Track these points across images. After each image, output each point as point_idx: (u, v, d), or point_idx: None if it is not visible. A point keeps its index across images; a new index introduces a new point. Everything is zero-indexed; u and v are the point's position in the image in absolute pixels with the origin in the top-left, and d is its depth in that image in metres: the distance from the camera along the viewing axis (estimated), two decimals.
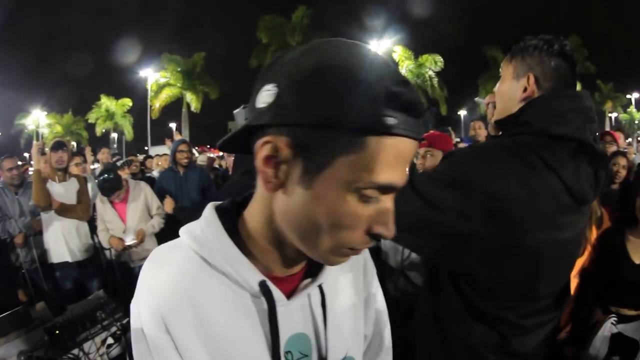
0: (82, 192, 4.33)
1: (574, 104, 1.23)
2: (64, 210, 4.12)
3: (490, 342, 1.27)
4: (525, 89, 1.29)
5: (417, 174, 1.29)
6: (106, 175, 3.98)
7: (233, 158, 3.85)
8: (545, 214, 1.16)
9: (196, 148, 20.06)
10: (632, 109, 47.47)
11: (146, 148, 29.06)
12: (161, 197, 5.13)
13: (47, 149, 4.20)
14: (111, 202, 4.14)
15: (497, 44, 29.55)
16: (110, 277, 4.50)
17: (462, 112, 50.31)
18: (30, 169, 5.19)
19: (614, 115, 45.63)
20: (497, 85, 1.42)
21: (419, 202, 1.16)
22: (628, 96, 47.23)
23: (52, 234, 4.14)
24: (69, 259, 4.16)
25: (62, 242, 4.13)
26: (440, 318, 1.36)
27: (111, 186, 3.97)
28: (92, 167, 6.25)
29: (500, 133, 1.44)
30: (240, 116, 4.46)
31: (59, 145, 4.27)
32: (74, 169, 5.31)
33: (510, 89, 1.34)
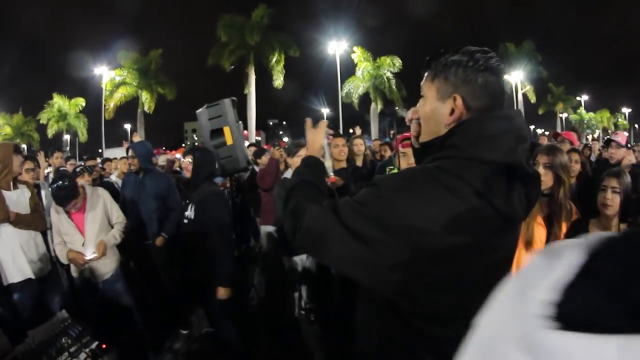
0: (34, 200, 3.93)
1: (505, 125, 1.19)
2: (20, 221, 3.71)
3: None
4: (452, 112, 1.23)
5: (342, 203, 1.22)
6: (60, 182, 3.60)
7: (189, 160, 3.81)
8: (477, 241, 1.13)
9: (153, 151, 19.69)
10: (582, 110, 51.11)
11: (100, 150, 28.34)
12: (120, 202, 4.97)
13: None
14: (67, 212, 3.79)
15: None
16: (71, 294, 4.20)
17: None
18: None
19: (564, 115, 48.85)
20: (419, 104, 1.36)
21: (345, 235, 1.14)
22: (578, 98, 50.69)
23: (9, 249, 3.68)
24: (32, 275, 3.74)
25: (22, 256, 3.70)
26: (383, 344, 1.34)
27: (67, 194, 3.59)
28: (46, 172, 5.95)
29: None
30: (203, 115, 4.46)
31: (17, 149, 3.89)
32: (25, 176, 4.88)
33: (435, 112, 1.28)
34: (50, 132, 34.81)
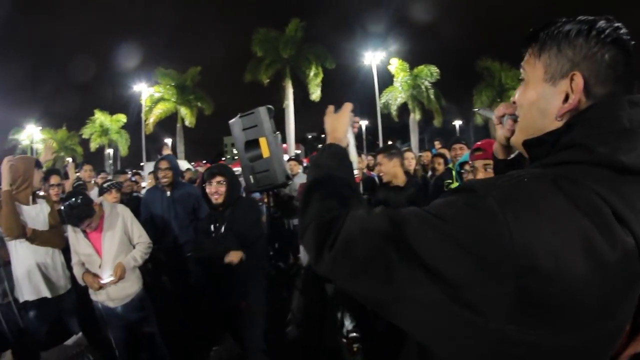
0: (53, 216, 3.78)
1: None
2: (37, 238, 3.57)
3: None
4: (566, 97, 0.87)
5: (410, 214, 0.83)
6: (73, 200, 3.30)
7: (218, 181, 3.51)
8: (612, 299, 0.74)
9: (192, 164, 19.90)
10: None
11: (142, 164, 28.95)
12: (147, 220, 4.80)
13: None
14: (84, 231, 3.49)
15: (491, 54, 29.63)
16: (89, 316, 3.92)
17: (457, 122, 50.86)
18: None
19: None
20: (518, 92, 0.99)
21: (414, 267, 0.75)
22: None
23: (25, 267, 3.56)
24: (48, 295, 3.58)
25: (37, 274, 3.56)
26: None
27: (79, 214, 3.29)
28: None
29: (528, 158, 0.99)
30: (237, 125, 4.09)
31: (39, 164, 3.82)
32: (51, 190, 4.84)
33: (542, 97, 0.91)
34: (93, 146, 36.26)
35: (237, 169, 4.66)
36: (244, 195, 6.16)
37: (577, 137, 0.83)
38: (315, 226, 0.93)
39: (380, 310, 0.84)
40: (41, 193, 4.10)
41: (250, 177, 3.68)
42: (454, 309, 0.73)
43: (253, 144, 3.76)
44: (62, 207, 3.40)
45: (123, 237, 3.58)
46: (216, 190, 3.48)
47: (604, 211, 0.73)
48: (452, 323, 0.75)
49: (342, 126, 1.31)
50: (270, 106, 3.84)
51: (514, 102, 1.02)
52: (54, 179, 4.48)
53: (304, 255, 4.96)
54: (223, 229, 3.50)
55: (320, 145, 1.14)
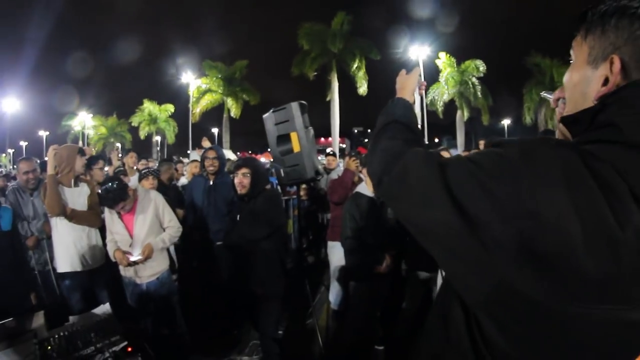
0: (93, 198, 4.16)
1: None
2: (75, 217, 3.95)
3: None
4: (606, 81, 0.87)
5: (455, 160, 0.90)
6: (109, 184, 3.62)
7: (244, 173, 3.58)
8: (617, 279, 0.73)
9: (237, 154, 20.21)
10: None
11: (188, 152, 29.70)
12: (189, 205, 5.09)
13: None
14: (119, 214, 3.78)
15: (540, 49, 28.36)
16: (119, 289, 4.24)
17: (506, 122, 48.94)
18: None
19: None
20: (567, 74, 1.00)
21: (446, 200, 0.83)
22: None
23: (62, 242, 3.96)
24: (79, 268, 3.97)
25: (73, 250, 3.95)
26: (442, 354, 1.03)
27: (114, 197, 3.60)
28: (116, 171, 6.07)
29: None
30: (269, 120, 4.17)
31: (82, 152, 4.21)
32: (97, 173, 5.42)
33: (584, 80, 0.92)
34: (142, 134, 37.54)
35: None
36: (277, 187, 6.27)
37: (611, 116, 0.83)
38: (382, 157, 1.08)
39: (417, 233, 0.94)
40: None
41: (281, 170, 3.76)
42: (470, 243, 0.80)
43: (284, 138, 3.84)
44: (100, 191, 3.73)
45: (154, 220, 3.86)
46: (240, 181, 3.59)
47: (620, 188, 0.73)
48: (467, 256, 0.82)
49: (411, 85, 1.45)
50: (303, 102, 3.89)
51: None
52: (100, 164, 4.98)
53: (331, 255, 4.99)
54: (239, 218, 3.66)
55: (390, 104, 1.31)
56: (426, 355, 1.13)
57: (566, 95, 1.00)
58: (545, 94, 1.30)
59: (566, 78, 1.00)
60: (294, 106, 3.78)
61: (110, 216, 3.83)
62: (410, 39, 29.46)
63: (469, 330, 0.93)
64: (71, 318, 2.79)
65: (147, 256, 3.69)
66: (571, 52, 0.98)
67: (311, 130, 3.96)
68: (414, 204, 0.92)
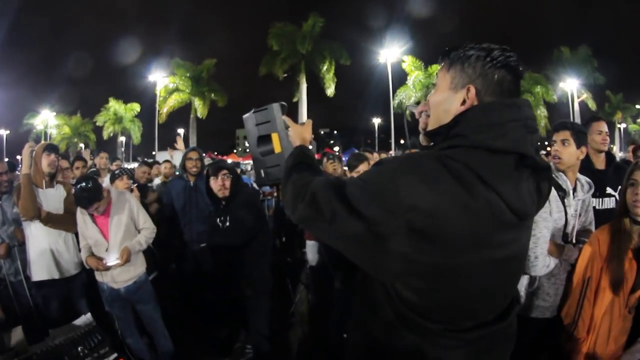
0: (69, 201, 3.90)
1: (513, 114, 1.16)
2: (50, 220, 3.73)
3: (425, 354, 1.22)
4: (463, 102, 1.21)
5: (349, 180, 1.24)
6: (84, 184, 3.39)
7: (222, 177, 3.60)
8: (480, 234, 1.10)
9: (204, 155, 20.03)
10: None
11: (153, 152, 29.13)
12: (167, 207, 4.99)
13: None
14: (92, 217, 3.58)
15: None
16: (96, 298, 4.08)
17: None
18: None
19: (623, 126, 44.91)
20: (431, 94, 1.34)
21: (348, 211, 1.14)
22: (638, 106, 46.73)
23: (37, 248, 3.72)
24: (57, 276, 3.75)
25: (49, 256, 3.73)
26: (371, 328, 1.34)
27: (89, 196, 3.37)
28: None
29: (432, 144, 1.36)
30: (250, 120, 4.16)
31: (52, 148, 3.91)
32: (76, 172, 5.23)
33: (446, 100, 1.26)
34: (106, 134, 36.60)
35: (249, 162, 4.73)
36: (256, 188, 6.26)
37: (460, 129, 1.16)
38: (294, 188, 1.37)
39: (333, 242, 1.24)
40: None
41: (261, 171, 3.76)
42: (373, 238, 1.12)
43: (265, 139, 3.82)
44: (73, 190, 3.51)
45: (129, 222, 3.68)
46: (223, 183, 3.56)
47: (469, 176, 1.07)
48: (374, 249, 1.14)
49: (307, 135, 1.96)
50: (284, 103, 3.90)
51: (428, 102, 1.36)
52: (79, 163, 4.67)
53: (310, 252, 5.02)
54: (229, 222, 3.59)
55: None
56: (357, 328, 1.44)
57: (430, 110, 1.32)
58: (410, 108, 1.62)
59: (430, 98, 1.32)
60: (275, 107, 3.74)
61: (83, 220, 3.61)
62: (379, 43, 29.86)
63: (389, 298, 1.23)
64: (51, 331, 2.62)
65: (126, 260, 3.51)
66: (436, 77, 1.34)
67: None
68: (325, 220, 1.20)
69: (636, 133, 44.56)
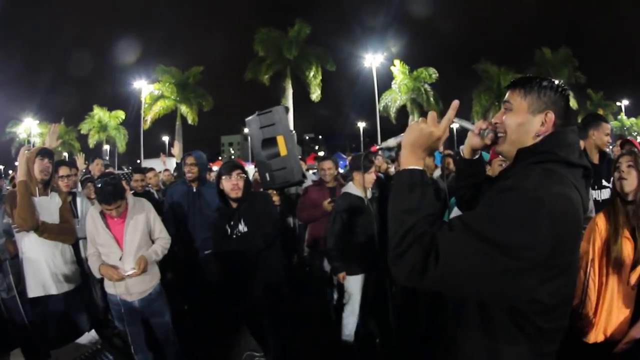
0: (65, 209, 3.67)
1: (576, 137, 1.47)
2: (46, 230, 3.46)
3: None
4: (542, 124, 1.46)
5: (473, 215, 1.32)
6: (107, 178, 3.23)
7: (239, 175, 3.52)
8: (581, 225, 1.38)
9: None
10: (622, 116, 48.93)
11: (139, 161, 28.83)
12: (168, 213, 4.75)
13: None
14: (105, 222, 3.37)
15: (489, 57, 29.90)
16: (103, 311, 3.86)
17: (454, 125, 50.80)
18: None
19: None
20: (507, 116, 1.52)
21: (494, 250, 1.18)
22: (618, 103, 48.24)
23: (32, 261, 3.46)
24: (55, 291, 3.49)
25: (46, 270, 3.46)
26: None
27: (114, 191, 3.19)
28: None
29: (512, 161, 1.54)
30: (254, 123, 4.07)
31: (46, 153, 3.62)
32: (60, 182, 4.79)
33: (526, 123, 1.48)
34: (91, 142, 36.12)
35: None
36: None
37: (548, 147, 1.42)
38: (412, 247, 1.25)
39: (486, 291, 1.29)
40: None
41: (266, 174, 3.68)
42: (515, 263, 1.20)
43: (270, 141, 3.76)
44: (95, 184, 3.30)
45: (145, 230, 3.48)
46: (237, 183, 3.43)
47: (570, 183, 1.33)
48: (512, 275, 1.22)
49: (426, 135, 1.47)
50: (287, 105, 3.87)
51: (496, 123, 1.55)
52: (63, 170, 4.14)
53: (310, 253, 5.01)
54: (244, 226, 3.47)
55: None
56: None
57: (508, 130, 1.51)
58: (460, 122, 1.60)
59: (508, 120, 1.51)
60: (280, 109, 3.71)
61: (94, 225, 3.39)
62: (365, 48, 30.02)
63: (516, 324, 1.36)
64: (53, 352, 2.41)
65: (142, 270, 3.30)
66: (508, 102, 1.53)
67: (294, 134, 3.93)
68: (484, 273, 1.21)
69: (617, 129, 45.91)
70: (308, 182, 5.91)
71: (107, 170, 4.99)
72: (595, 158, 3.81)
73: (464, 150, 1.74)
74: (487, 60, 30.66)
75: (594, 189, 3.61)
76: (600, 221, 2.53)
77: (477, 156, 1.75)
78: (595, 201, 3.51)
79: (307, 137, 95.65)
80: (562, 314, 1.41)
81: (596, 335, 2.43)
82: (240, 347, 4.21)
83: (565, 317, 1.43)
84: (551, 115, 1.44)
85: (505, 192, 1.29)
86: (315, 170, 9.15)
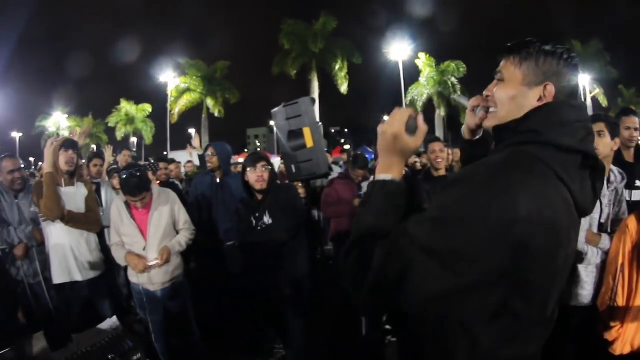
0: (91, 199, 3.74)
1: (579, 114, 1.17)
2: (72, 220, 3.52)
3: None
4: (540, 99, 1.18)
5: (415, 222, 1.08)
6: (132, 170, 3.26)
7: (264, 167, 3.48)
8: (564, 230, 1.08)
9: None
10: None
11: (165, 153, 29.23)
12: (193, 203, 4.79)
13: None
14: (130, 212, 3.42)
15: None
16: (126, 299, 3.92)
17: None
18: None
19: None
20: (497, 88, 1.27)
21: (423, 258, 1.02)
22: None
23: (58, 249, 3.53)
24: (79, 278, 3.56)
25: (71, 257, 3.53)
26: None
27: (139, 184, 3.23)
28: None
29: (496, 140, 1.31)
30: (280, 115, 4.01)
31: (70, 144, 3.68)
32: (92, 170, 5.13)
33: (520, 96, 1.21)
34: (119, 135, 36.93)
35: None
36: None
37: (532, 124, 1.15)
38: (353, 258, 1.16)
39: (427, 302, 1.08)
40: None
41: (292, 166, 3.61)
42: (469, 270, 1.01)
43: (296, 133, 3.69)
44: (120, 176, 3.35)
45: (169, 221, 3.51)
46: (262, 174, 3.40)
47: (551, 174, 1.07)
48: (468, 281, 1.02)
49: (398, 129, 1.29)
50: (313, 97, 3.79)
51: (487, 96, 1.30)
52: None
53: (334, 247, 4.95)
54: (269, 218, 3.43)
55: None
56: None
57: (498, 104, 1.25)
58: (458, 98, 1.41)
59: (498, 92, 1.26)
60: (306, 101, 3.64)
61: (119, 215, 3.43)
62: (391, 41, 29.68)
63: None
64: (75, 337, 2.41)
65: (166, 260, 3.34)
66: (500, 72, 1.26)
67: (321, 126, 3.85)
68: (411, 289, 1.05)
69: None
70: (334, 175, 5.85)
71: (131, 162, 5.01)
72: (629, 156, 3.58)
73: (463, 130, 1.55)
74: None
75: (625, 188, 3.20)
76: (632, 223, 2.42)
77: (478, 136, 1.54)
78: (628, 202, 3.18)
79: (333, 130, 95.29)
80: (525, 339, 1.12)
81: (623, 347, 2.33)
82: (260, 339, 4.19)
83: (532, 343, 1.15)
84: (551, 89, 1.17)
85: (449, 187, 1.10)
86: (341, 163, 9.09)
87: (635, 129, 3.51)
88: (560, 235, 1.06)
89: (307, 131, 3.67)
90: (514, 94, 1.21)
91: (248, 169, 3.45)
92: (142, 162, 7.12)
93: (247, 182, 3.48)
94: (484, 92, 1.33)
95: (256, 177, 3.40)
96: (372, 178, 1.29)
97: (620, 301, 2.35)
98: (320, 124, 3.85)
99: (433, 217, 1.06)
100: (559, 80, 1.18)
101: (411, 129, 1.24)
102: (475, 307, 1.05)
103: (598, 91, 33.84)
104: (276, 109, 3.83)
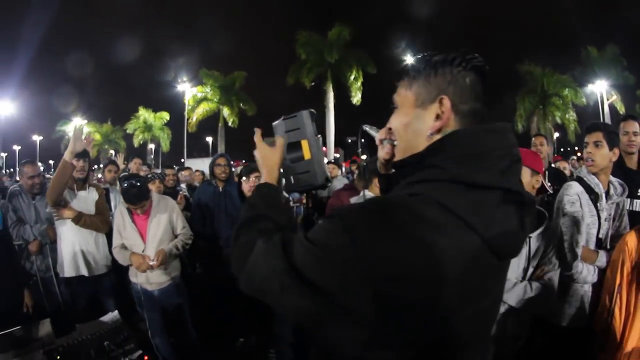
0: (101, 203, 4.08)
1: (499, 140, 0.99)
2: (82, 220, 3.83)
3: None
4: (438, 116, 1.02)
5: (297, 240, 0.97)
6: (133, 180, 3.50)
7: (254, 178, 3.59)
8: (466, 288, 0.89)
9: (232, 162, 20.18)
10: None
11: (182, 160, 29.51)
12: (196, 211, 4.99)
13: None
14: (132, 217, 3.64)
15: (532, 58, 29.02)
16: (124, 297, 4.15)
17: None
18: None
19: None
20: (392, 119, 1.14)
21: (301, 287, 0.90)
22: None
23: (68, 246, 3.86)
24: (86, 273, 3.88)
25: (79, 254, 3.86)
26: None
27: (138, 193, 3.46)
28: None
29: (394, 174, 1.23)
30: (280, 127, 4.14)
31: (81, 154, 3.93)
32: (107, 175, 5.49)
33: (414, 120, 1.06)
34: (136, 142, 37.30)
35: None
36: (285, 195, 6.29)
37: (437, 159, 0.96)
38: (239, 254, 1.10)
39: (287, 312, 1.00)
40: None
41: (291, 177, 3.73)
42: (328, 309, 0.90)
43: (295, 145, 3.81)
44: (121, 185, 3.58)
45: (167, 226, 3.74)
46: (254, 185, 3.53)
47: (452, 223, 0.86)
48: (328, 319, 0.92)
49: (273, 162, 1.52)
50: (312, 110, 3.88)
51: (389, 128, 1.17)
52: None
53: None
54: None
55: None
56: None
57: (397, 136, 1.12)
58: (368, 129, 1.47)
59: (393, 122, 1.13)
60: (305, 114, 3.72)
61: (121, 219, 3.68)
62: (405, 51, 29.64)
63: None
64: (78, 326, 2.63)
65: (161, 262, 3.55)
66: (395, 100, 1.13)
67: (320, 139, 3.97)
68: (274, 292, 0.95)
69: None
70: (339, 186, 5.94)
71: (132, 172, 5.23)
72: (632, 163, 3.26)
73: (378, 165, 1.39)
74: (530, 61, 29.65)
75: (629, 197, 2.96)
76: (631, 241, 2.22)
77: (393, 170, 1.34)
78: (631, 212, 2.94)
79: (349, 140, 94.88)
80: None
81: None
82: (255, 343, 4.32)
83: None
84: (447, 102, 1.00)
85: (326, 219, 0.97)
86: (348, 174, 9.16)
87: (634, 133, 3.24)
88: (450, 289, 0.85)
89: (305, 143, 3.79)
90: (407, 120, 1.08)
91: (243, 179, 3.64)
92: (159, 170, 7.34)
93: (242, 191, 3.67)
94: (387, 124, 1.20)
95: (249, 187, 3.60)
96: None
97: (618, 324, 2.19)
98: (319, 136, 3.99)
99: (312, 250, 0.92)
100: (457, 88, 1.02)
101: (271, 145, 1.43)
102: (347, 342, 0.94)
103: (615, 98, 32.97)
104: (276, 122, 3.95)
